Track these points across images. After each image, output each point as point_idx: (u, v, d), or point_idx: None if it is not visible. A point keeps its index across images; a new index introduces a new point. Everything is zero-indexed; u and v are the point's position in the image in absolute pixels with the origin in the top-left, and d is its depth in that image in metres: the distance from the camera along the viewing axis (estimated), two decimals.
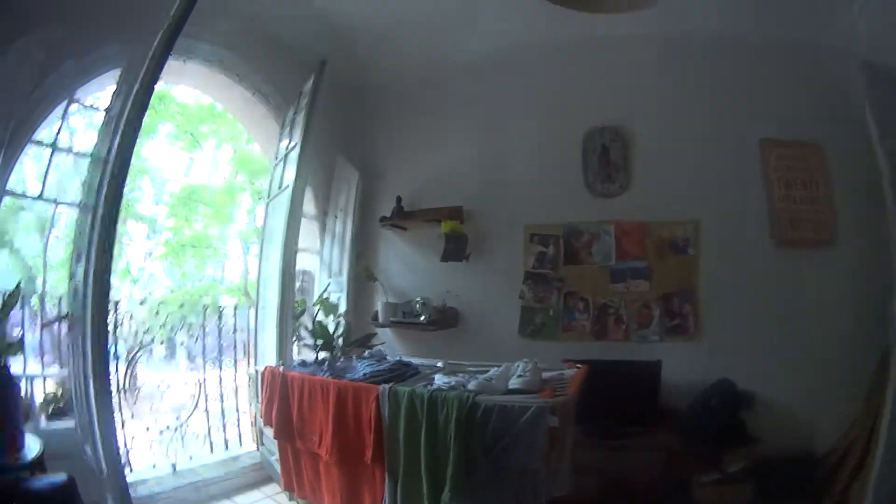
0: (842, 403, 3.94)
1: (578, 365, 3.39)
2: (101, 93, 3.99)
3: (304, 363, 3.79)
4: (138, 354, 4.45)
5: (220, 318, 5.02)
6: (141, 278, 15.04)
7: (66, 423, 3.44)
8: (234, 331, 5.21)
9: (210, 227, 14.41)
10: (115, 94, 3.55)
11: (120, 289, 14.14)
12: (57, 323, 3.64)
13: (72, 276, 3.40)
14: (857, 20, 4.14)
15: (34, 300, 4.26)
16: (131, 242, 15.56)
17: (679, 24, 4.57)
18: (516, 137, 4.98)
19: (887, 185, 3.64)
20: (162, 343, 4.61)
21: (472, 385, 2.82)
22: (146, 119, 11.71)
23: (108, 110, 3.55)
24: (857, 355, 3.95)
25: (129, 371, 4.26)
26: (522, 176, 4.88)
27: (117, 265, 14.13)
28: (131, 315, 4.59)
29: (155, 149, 14.74)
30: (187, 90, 9.33)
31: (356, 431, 3.05)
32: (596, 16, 4.15)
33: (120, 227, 13.57)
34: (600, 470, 3.83)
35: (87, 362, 3.20)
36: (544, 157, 4.88)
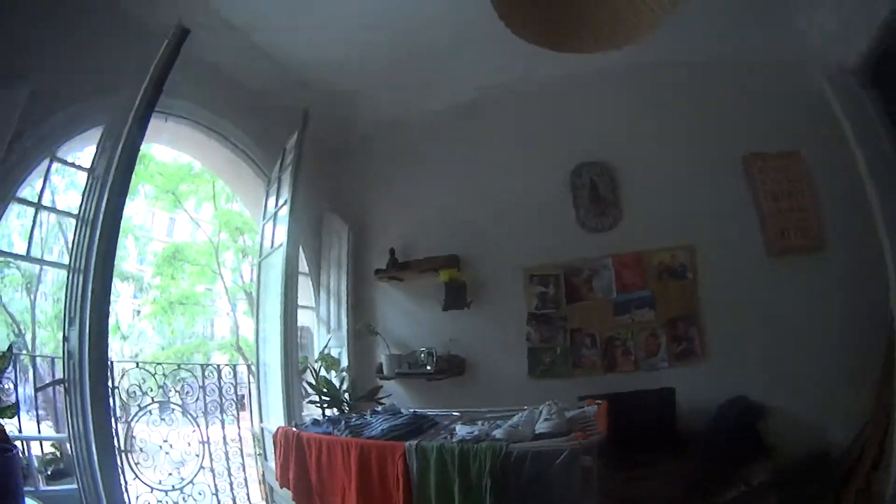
0: (852, 403, 3.95)
1: (598, 401, 3.33)
2: (80, 153, 4.04)
3: (316, 422, 3.69)
4: (139, 414, 4.37)
5: (218, 375, 4.94)
6: (131, 335, 15.01)
7: (66, 486, 3.37)
8: (233, 387, 5.15)
9: (196, 284, 14.42)
10: (99, 153, 3.50)
11: (111, 346, 14.11)
12: (52, 387, 3.58)
13: (66, 340, 3.31)
14: (808, 32, 4.22)
15: (24, 357, 4.21)
16: (119, 300, 15.53)
17: (649, 54, 4.60)
18: (504, 180, 5.03)
19: (868, 180, 3.66)
20: (157, 402, 4.51)
21: (498, 433, 2.76)
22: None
23: (91, 170, 3.49)
24: (861, 353, 3.95)
25: (127, 431, 4.18)
26: (514, 218, 4.92)
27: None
28: (123, 373, 4.51)
29: (136, 208, 14.79)
30: (165, 150, 9.31)
31: (382, 491, 2.94)
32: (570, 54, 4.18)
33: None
34: (626, 501, 3.79)
35: (88, 425, 3.12)
36: (533, 198, 4.92)
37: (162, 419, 4.66)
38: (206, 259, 13.76)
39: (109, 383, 3.91)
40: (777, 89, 4.43)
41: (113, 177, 3.30)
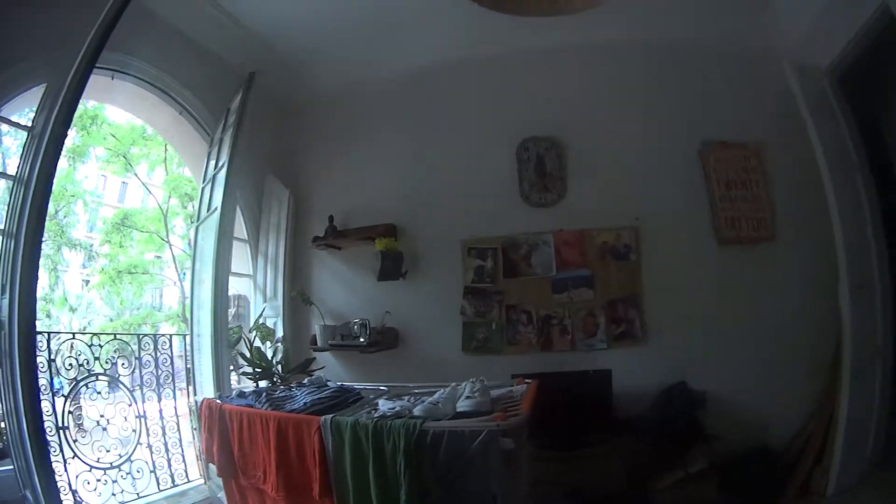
0: (795, 395, 4.01)
1: (528, 380, 3.27)
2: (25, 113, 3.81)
3: (242, 394, 3.57)
4: (80, 388, 4.20)
5: (155, 347, 4.78)
6: (80, 307, 14.67)
7: (7, 466, 3.17)
8: (172, 360, 4.99)
9: (145, 252, 14.13)
10: (39, 111, 3.31)
11: (59, 319, 13.83)
12: None
13: None
14: (779, 20, 4.25)
15: None
16: (68, 270, 15.19)
17: (610, 32, 4.59)
18: (448, 151, 4.93)
19: (827, 178, 3.69)
20: (104, 375, 4.35)
21: (417, 410, 2.66)
22: (77, 141, 11.30)
23: (30, 129, 3.31)
24: (808, 347, 4.00)
25: (67, 406, 4.00)
26: (456, 190, 4.82)
27: (54, 294, 13.77)
28: (72, 346, 4.33)
29: (88, 172, 14.41)
30: (118, 111, 9.06)
31: (301, 466, 2.88)
32: (525, 27, 4.10)
33: (55, 255, 13.11)
34: (561, 483, 3.77)
35: (19, 401, 2.97)
36: (478, 170, 4.83)
37: (98, 393, 4.48)
38: (155, 226, 13.49)
39: (47, 356, 3.81)
40: (742, 79, 4.42)
41: (49, 135, 3.13)
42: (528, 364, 4.29)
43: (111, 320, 14.30)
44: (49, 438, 3.46)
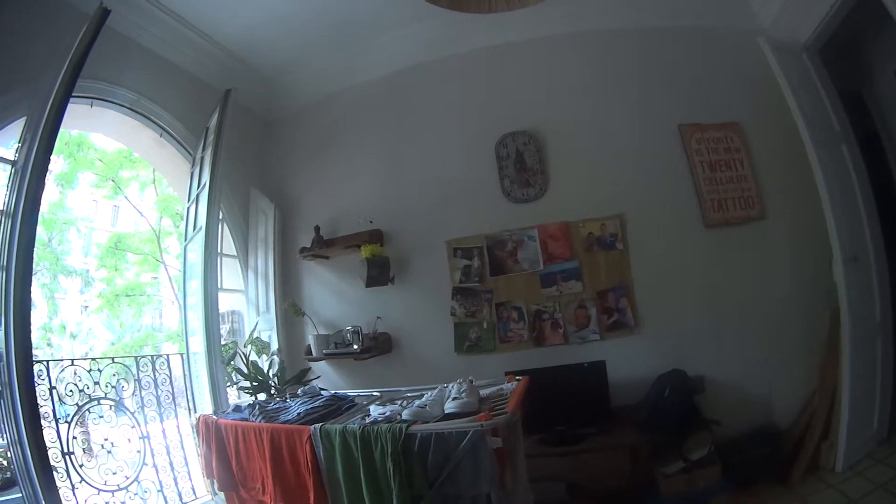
0: (795, 373, 4.01)
1: (518, 377, 3.26)
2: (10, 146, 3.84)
3: (238, 408, 3.58)
4: (83, 413, 4.21)
5: (153, 368, 4.78)
6: (80, 333, 14.65)
7: (15, 495, 3.17)
8: (171, 380, 4.99)
9: (141, 274, 14.13)
10: (20, 144, 3.31)
11: (60, 346, 13.81)
12: None
13: None
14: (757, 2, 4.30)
15: None
16: (66, 297, 15.15)
17: (581, 21, 4.63)
18: (429, 153, 4.97)
19: (812, 151, 3.66)
20: (105, 399, 4.35)
21: (405, 414, 2.67)
22: (65, 168, 11.26)
23: (13, 163, 3.32)
24: (804, 324, 4.02)
25: (71, 432, 4.01)
26: (438, 191, 4.85)
27: (53, 322, 13.75)
28: (74, 371, 4.34)
29: (78, 198, 14.39)
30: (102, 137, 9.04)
31: (296, 475, 2.89)
32: (494, 24, 4.12)
33: (52, 284, 13.07)
34: (562, 477, 3.81)
35: (21, 430, 3.00)
36: (458, 170, 4.85)
37: (101, 417, 4.49)
38: (149, 247, 13.49)
39: (48, 384, 3.80)
40: (720, 60, 4.46)
41: (32, 165, 3.16)
42: (522, 360, 4.31)
43: (112, 344, 14.28)
44: (56, 464, 3.51)
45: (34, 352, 3.43)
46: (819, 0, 3.66)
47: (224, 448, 3.32)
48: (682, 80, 4.52)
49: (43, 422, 3.45)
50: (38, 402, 3.48)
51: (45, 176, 3.23)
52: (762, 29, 4.21)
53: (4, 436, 3.12)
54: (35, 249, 3.33)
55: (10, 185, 3.29)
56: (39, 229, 12.47)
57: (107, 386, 4.36)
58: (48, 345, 13.37)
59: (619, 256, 4.43)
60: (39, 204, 3.23)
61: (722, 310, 4.19)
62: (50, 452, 3.45)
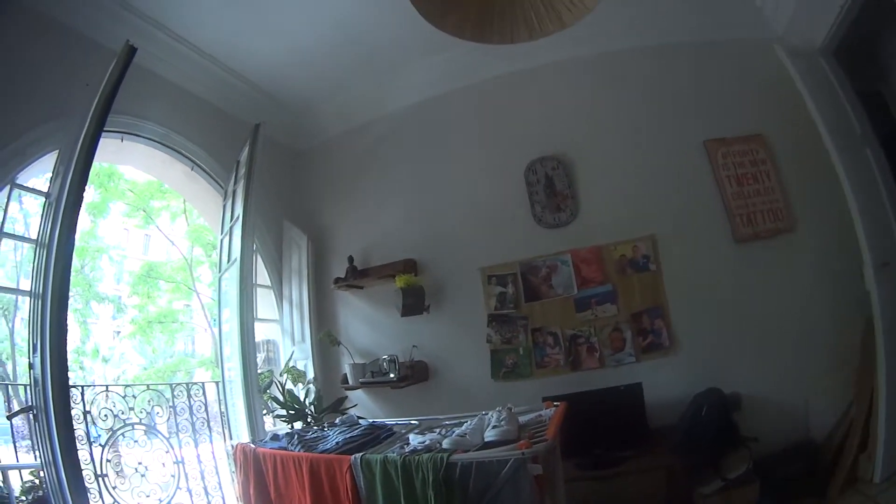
0: (832, 385, 3.93)
1: (556, 403, 3.25)
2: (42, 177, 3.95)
3: (276, 437, 3.60)
4: (116, 436, 4.27)
5: (188, 394, 4.84)
6: (112, 357, 14.86)
7: None
8: (206, 406, 5.04)
9: (173, 301, 14.32)
10: (53, 177, 3.43)
11: (93, 370, 14.01)
12: (24, 414, 3.50)
13: (31, 367, 3.21)
14: (764, 7, 4.27)
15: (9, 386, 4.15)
16: (98, 322, 15.37)
17: (600, 42, 4.65)
18: (459, 181, 5.00)
19: (836, 158, 3.62)
20: (139, 424, 4.42)
21: (445, 443, 2.67)
22: (97, 198, 11.52)
23: (46, 195, 3.41)
24: (839, 335, 3.94)
25: (105, 454, 4.08)
26: (471, 219, 4.88)
27: (86, 346, 13.97)
28: (107, 396, 4.41)
29: (110, 227, 14.65)
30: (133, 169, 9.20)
31: None
32: (516, 50, 4.14)
33: (84, 309, 13.29)
34: (600, 501, 3.73)
35: (56, 452, 3.06)
36: (490, 197, 4.87)
37: (135, 441, 4.55)
38: (181, 276, 13.67)
39: (82, 407, 3.90)
40: (738, 71, 4.42)
41: (66, 199, 3.23)
42: (559, 385, 4.29)
43: (145, 369, 14.45)
44: (89, 486, 3.63)
45: (68, 374, 3.53)
46: (829, 1, 3.60)
47: (262, 476, 3.32)
48: (703, 95, 4.51)
49: (78, 444, 3.54)
50: (76, 425, 3.61)
51: (79, 209, 3.30)
52: (777, 36, 4.18)
53: (37, 456, 3.18)
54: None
55: (44, 215, 3.39)
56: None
57: (141, 411, 4.43)
58: (81, 368, 13.60)
59: (652, 277, 4.41)
60: (74, 235, 3.29)
61: (755, 325, 4.14)
62: (84, 475, 3.51)
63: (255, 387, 4.26)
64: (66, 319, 3.21)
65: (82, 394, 4.00)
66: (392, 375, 4.59)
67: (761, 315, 4.14)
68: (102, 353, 14.60)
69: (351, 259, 5.04)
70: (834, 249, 3.93)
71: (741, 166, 4.36)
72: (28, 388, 3.27)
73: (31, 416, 3.24)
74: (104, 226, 13.98)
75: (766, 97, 4.26)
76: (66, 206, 3.23)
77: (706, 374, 4.11)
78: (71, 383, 3.34)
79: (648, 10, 4.50)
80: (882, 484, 3.41)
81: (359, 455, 2.78)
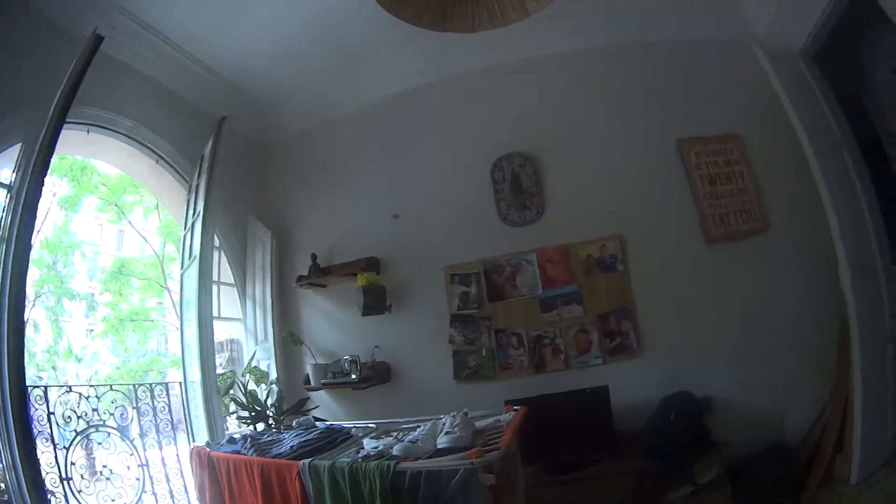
0: (806, 387, 3.91)
1: (517, 407, 3.18)
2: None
3: (232, 440, 3.52)
4: (79, 438, 4.17)
5: (151, 394, 4.74)
6: (85, 357, 14.65)
7: None
8: (169, 407, 4.94)
9: (146, 299, 14.15)
10: (15, 169, 3.35)
11: (66, 370, 13.81)
12: None
13: None
14: (743, 9, 4.27)
15: None
16: (70, 321, 15.16)
17: (574, 38, 4.61)
18: (424, 179, 4.94)
19: (812, 159, 3.59)
20: (104, 426, 4.34)
21: (396, 450, 2.59)
22: (69, 192, 11.43)
23: (9, 187, 3.32)
24: (813, 336, 3.91)
25: (69, 457, 3.98)
26: (434, 217, 4.82)
27: (59, 346, 13.77)
28: (79, 396, 4.32)
29: (83, 222, 14.45)
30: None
31: None
32: (485, 45, 4.11)
33: (56, 307, 13.16)
34: None
35: (15, 456, 2.98)
36: (454, 195, 4.81)
37: (99, 444, 4.46)
38: (153, 272, 13.52)
39: (46, 409, 3.81)
40: (716, 72, 4.38)
41: (26, 193, 3.18)
42: (523, 388, 4.21)
43: (118, 368, 14.27)
44: (54, 489, 3.58)
45: (40, 374, 3.46)
46: (811, 4, 3.59)
47: (217, 481, 3.25)
48: (678, 94, 4.46)
49: (42, 446, 3.56)
50: (38, 426, 3.61)
51: (38, 201, 3.24)
52: (757, 38, 4.13)
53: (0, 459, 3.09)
54: (29, 274, 3.35)
55: (4, 209, 3.30)
56: (44, 252, 12.39)
57: (105, 412, 4.33)
58: (53, 368, 13.38)
59: (619, 278, 4.36)
60: (33, 229, 3.26)
61: (727, 326, 4.10)
62: (49, 478, 3.52)
63: (214, 387, 4.19)
64: (23, 316, 3.17)
65: (45, 394, 3.90)
66: (353, 376, 4.52)
67: (733, 317, 4.11)
68: (75, 353, 14.39)
69: (314, 257, 4.95)
70: (807, 251, 3.91)
71: (714, 166, 4.33)
72: None
73: None
74: (77, 221, 13.78)
75: (744, 98, 4.24)
76: (25, 197, 3.16)
77: (676, 377, 4.08)
78: (34, 384, 3.26)
79: (623, 7, 4.44)
80: (859, 485, 3.38)
81: (307, 461, 2.70)
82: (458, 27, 2.55)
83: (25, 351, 3.23)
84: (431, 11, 2.50)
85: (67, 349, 14.25)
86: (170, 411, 4.85)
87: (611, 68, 4.60)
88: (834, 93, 3.82)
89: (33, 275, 12.12)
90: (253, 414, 4.15)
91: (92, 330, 15.73)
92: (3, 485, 3.37)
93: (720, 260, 4.23)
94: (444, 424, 2.75)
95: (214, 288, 4.75)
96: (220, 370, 4.76)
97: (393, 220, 4.95)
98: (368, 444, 2.78)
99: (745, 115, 4.29)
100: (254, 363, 4.71)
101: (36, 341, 12.69)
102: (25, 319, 3.23)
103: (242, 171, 5.25)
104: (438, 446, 2.57)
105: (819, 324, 3.88)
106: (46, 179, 3.33)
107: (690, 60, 4.45)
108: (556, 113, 4.68)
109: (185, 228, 4.63)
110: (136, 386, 4.80)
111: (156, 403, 4.70)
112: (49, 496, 3.42)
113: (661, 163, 4.41)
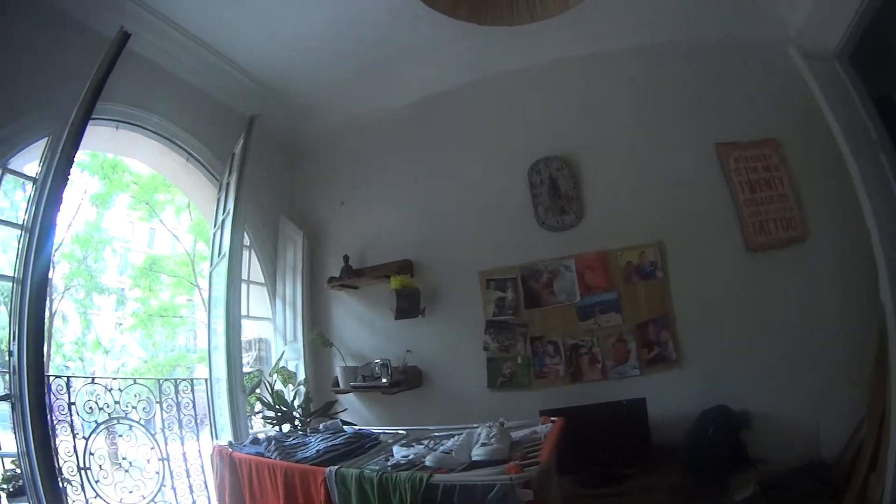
0: (843, 403, 3.72)
1: (553, 418, 3.07)
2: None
3: (256, 440, 3.45)
4: (101, 429, 4.17)
5: (176, 389, 4.72)
6: (112, 349, 14.86)
7: None
8: (194, 404, 4.93)
9: (176, 296, 14.31)
10: (41, 162, 3.36)
11: (93, 361, 14.02)
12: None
13: (10, 354, 3.13)
14: (776, 9, 4.12)
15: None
16: (99, 314, 15.38)
17: (609, 39, 4.51)
18: (461, 181, 4.85)
19: (852, 163, 3.41)
20: (125, 419, 4.33)
21: (428, 460, 2.47)
22: (101, 189, 11.65)
23: (34, 180, 3.34)
24: (852, 348, 3.73)
25: (88, 447, 3.97)
26: (470, 220, 4.72)
27: (87, 337, 13.98)
28: (106, 387, 4.32)
29: (114, 219, 14.65)
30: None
31: None
32: (521, 47, 4.01)
33: (86, 300, 13.39)
34: None
35: (30, 442, 3.00)
36: (491, 198, 4.71)
37: (120, 436, 4.47)
38: (184, 270, 13.65)
39: (67, 399, 3.83)
40: (752, 73, 4.25)
41: (50, 185, 3.19)
42: (558, 397, 4.10)
43: (146, 362, 14.47)
44: (71, 478, 3.66)
45: (67, 364, 3.48)
46: (845, 4, 3.45)
47: (237, 482, 3.17)
48: (715, 97, 4.32)
49: (62, 436, 3.65)
50: (59, 415, 3.71)
51: (62, 193, 3.27)
52: (791, 38, 3.98)
53: (17, 446, 3.11)
54: (59, 267, 3.39)
55: (30, 200, 3.34)
56: (74, 247, 12.59)
57: (128, 405, 4.32)
58: (80, 359, 13.59)
59: (659, 286, 4.21)
60: (55, 221, 3.27)
61: (766, 339, 3.94)
62: (66, 466, 3.61)
63: (240, 386, 4.16)
64: (44, 306, 3.19)
65: (68, 385, 3.91)
66: (384, 380, 4.41)
67: (773, 328, 3.94)
68: (103, 345, 14.60)
69: (346, 258, 4.89)
70: (848, 260, 3.73)
71: (754, 171, 4.18)
72: (8, 376, 3.18)
73: (10, 404, 3.15)
74: (109, 217, 13.99)
75: (780, 100, 4.09)
76: (49, 189, 3.17)
77: (714, 390, 3.92)
78: (57, 373, 3.26)
79: (660, 7, 4.30)
80: None
81: (334, 468, 2.60)
82: (495, 19, 2.46)
83: (52, 340, 3.25)
84: (469, 2, 2.40)
85: (96, 341, 14.48)
86: (194, 407, 4.84)
87: (648, 71, 4.48)
88: (870, 93, 3.66)
89: (63, 268, 12.46)
90: (279, 414, 4.10)
91: (121, 324, 15.95)
92: (18, 470, 3.39)
93: (760, 269, 4.08)
94: (479, 435, 2.63)
95: (244, 286, 4.72)
96: (247, 369, 4.77)
97: (427, 222, 4.88)
98: (398, 452, 2.67)
99: (782, 118, 4.14)
100: (282, 363, 4.65)
101: (64, 332, 12.94)
102: (54, 311, 3.25)
103: (273, 170, 5.23)
104: (474, 458, 2.44)
105: (858, 336, 3.69)
106: (75, 174, 3.38)
107: (726, 62, 4.32)
108: (593, 115, 4.56)
109: (215, 226, 4.60)
110: (161, 381, 4.79)
111: (180, 399, 4.68)
112: (65, 484, 3.54)
113: (701, 168, 4.27)
